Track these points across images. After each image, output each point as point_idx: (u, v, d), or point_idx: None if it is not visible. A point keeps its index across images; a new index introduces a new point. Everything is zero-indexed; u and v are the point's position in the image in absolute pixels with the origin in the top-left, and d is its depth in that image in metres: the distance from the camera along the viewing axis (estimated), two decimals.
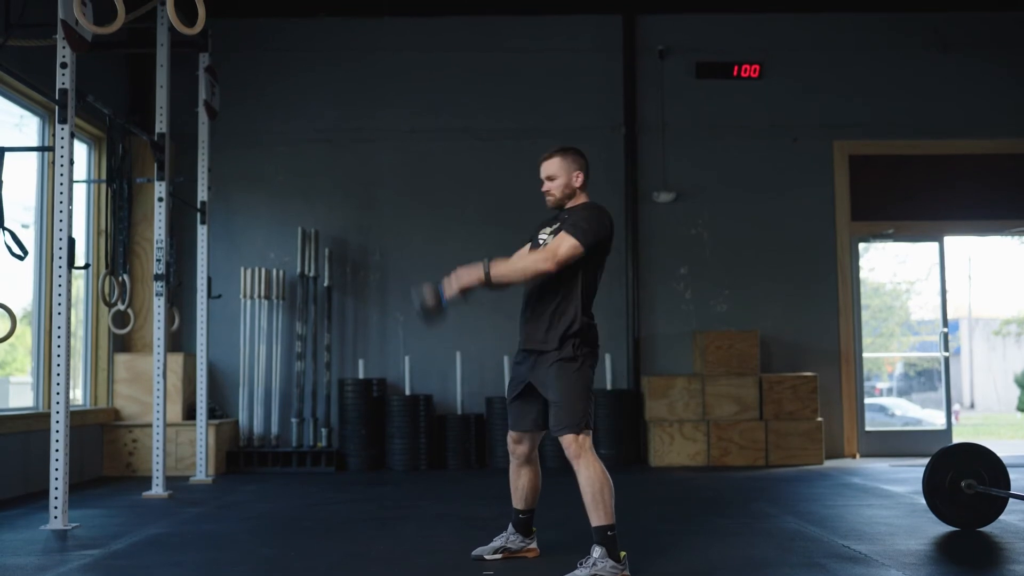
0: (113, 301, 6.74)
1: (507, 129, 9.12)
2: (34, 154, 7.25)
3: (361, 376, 8.63)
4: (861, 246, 9.42)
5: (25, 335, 7.38)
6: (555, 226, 4.21)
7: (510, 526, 4.43)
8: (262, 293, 8.61)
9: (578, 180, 4.23)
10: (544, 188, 4.27)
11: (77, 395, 8.14)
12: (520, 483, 4.37)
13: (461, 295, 4.08)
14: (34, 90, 5.90)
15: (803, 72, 9.33)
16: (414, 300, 4.13)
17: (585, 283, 4.12)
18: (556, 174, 4.23)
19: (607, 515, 3.89)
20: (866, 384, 9.56)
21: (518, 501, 4.39)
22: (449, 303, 4.07)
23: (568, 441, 3.97)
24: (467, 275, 4.08)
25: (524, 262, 4.10)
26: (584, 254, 4.04)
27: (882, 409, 15.74)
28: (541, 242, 4.24)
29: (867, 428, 9.23)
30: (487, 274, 4.05)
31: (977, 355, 25.48)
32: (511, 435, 4.34)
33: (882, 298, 17.48)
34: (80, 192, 8.15)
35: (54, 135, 5.37)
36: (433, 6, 9.21)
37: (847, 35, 9.36)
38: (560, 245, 4.02)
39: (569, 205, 4.25)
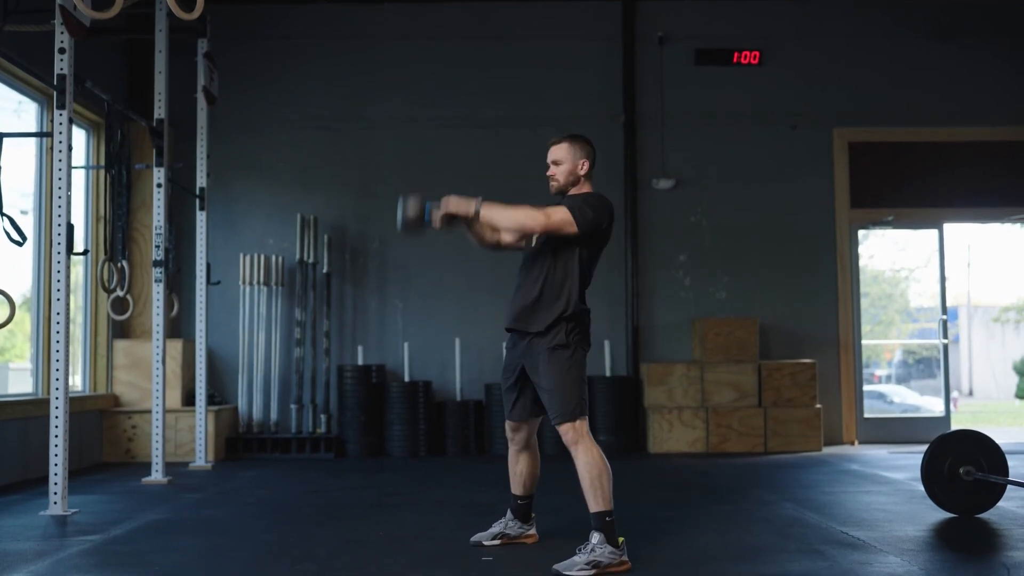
0: (112, 287, 6.74)
1: (506, 117, 9.10)
2: (33, 140, 7.23)
3: (360, 362, 8.64)
4: (860, 233, 9.42)
5: (24, 321, 7.38)
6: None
7: (509, 512, 4.44)
8: (261, 279, 8.61)
9: (583, 168, 4.22)
10: (549, 172, 4.25)
11: (76, 381, 8.15)
12: (518, 469, 4.38)
13: (446, 221, 4.06)
14: (32, 76, 5.89)
15: (803, 59, 9.31)
16: (398, 208, 4.06)
17: (581, 271, 4.11)
18: (562, 159, 4.22)
19: (605, 501, 3.90)
20: (865, 371, 9.57)
21: (516, 487, 4.40)
22: (431, 223, 4.04)
23: (565, 429, 3.98)
24: (457, 203, 4.06)
25: (515, 211, 4.05)
26: (578, 236, 4.04)
27: (881, 396, 15.76)
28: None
29: (866, 415, 9.24)
30: (477, 211, 4.03)
31: (976, 342, 25.48)
32: (509, 424, 4.35)
33: (881, 285, 17.50)
34: (79, 178, 8.14)
35: (52, 121, 5.36)
36: None
37: (847, 22, 9.33)
38: (556, 212, 4.02)
39: (571, 192, 4.24)
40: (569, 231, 4.01)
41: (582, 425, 3.98)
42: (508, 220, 4.08)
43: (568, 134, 4.27)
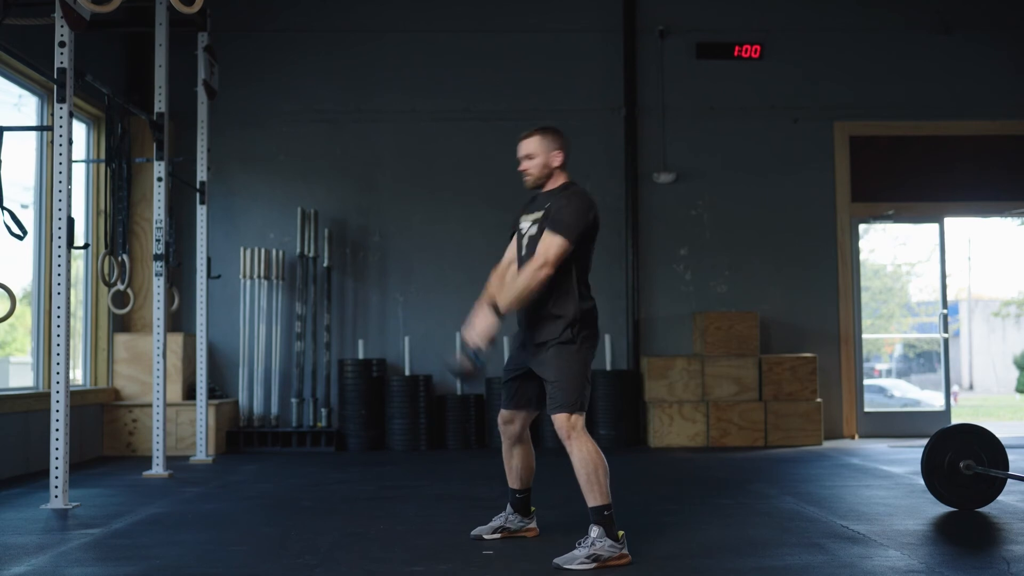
0: (113, 281, 6.74)
1: (507, 110, 9.09)
2: (33, 134, 7.23)
3: (361, 356, 8.64)
4: (861, 227, 9.42)
5: (25, 315, 7.38)
6: (537, 215, 4.16)
7: (508, 506, 4.44)
8: (262, 273, 8.61)
9: (556, 160, 4.20)
10: (522, 167, 4.25)
11: (77, 375, 8.15)
12: (513, 463, 4.38)
13: (490, 344, 4.05)
14: (33, 69, 5.88)
15: (804, 53, 9.30)
16: (451, 368, 4.15)
17: (578, 270, 4.11)
18: (534, 153, 4.21)
19: (602, 495, 3.89)
20: (865, 365, 9.58)
21: (513, 481, 4.40)
22: (482, 357, 4.05)
23: (561, 421, 3.97)
24: (483, 324, 4.02)
25: (523, 279, 4.02)
26: (575, 248, 4.04)
27: (881, 390, 15.78)
28: (522, 231, 4.22)
29: (866, 409, 9.25)
30: (499, 313, 4.01)
31: (976, 337, 25.50)
32: (503, 414, 4.33)
33: (882, 280, 17.51)
34: (79, 172, 8.14)
35: (53, 114, 5.36)
36: None
37: (848, 15, 9.32)
38: (549, 248, 3.99)
39: (548, 187, 4.22)
40: (567, 251, 4.01)
41: (578, 419, 3.97)
42: (526, 292, 4.01)
43: (539, 127, 4.26)
